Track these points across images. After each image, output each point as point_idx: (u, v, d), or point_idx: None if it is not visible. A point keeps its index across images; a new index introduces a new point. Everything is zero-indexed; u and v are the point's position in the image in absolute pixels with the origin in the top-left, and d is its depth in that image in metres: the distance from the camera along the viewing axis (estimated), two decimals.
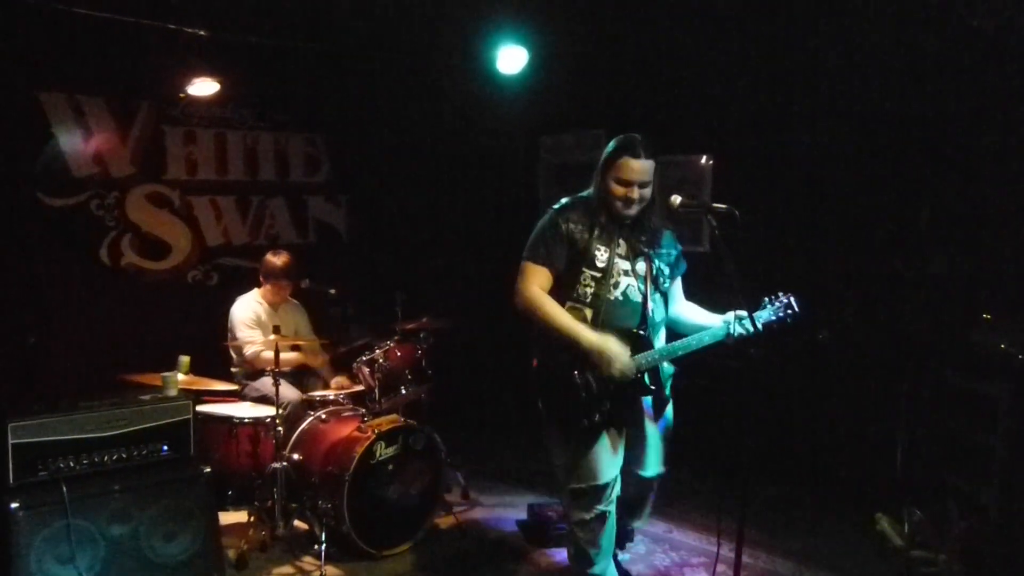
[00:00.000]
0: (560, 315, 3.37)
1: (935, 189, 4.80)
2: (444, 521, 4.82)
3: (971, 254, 4.68)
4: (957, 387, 4.45)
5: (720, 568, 3.68)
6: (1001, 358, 4.19)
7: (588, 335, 3.32)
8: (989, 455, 4.14)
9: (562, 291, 3.46)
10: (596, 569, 3.58)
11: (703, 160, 5.87)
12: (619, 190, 3.37)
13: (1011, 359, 4.15)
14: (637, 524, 3.73)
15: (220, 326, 5.28)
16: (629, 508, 3.67)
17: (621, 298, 3.43)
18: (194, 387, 4.47)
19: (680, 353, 3.41)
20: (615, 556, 3.82)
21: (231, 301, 5.29)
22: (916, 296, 4.87)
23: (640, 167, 3.34)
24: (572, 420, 3.40)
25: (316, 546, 4.26)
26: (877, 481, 4.83)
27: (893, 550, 4.35)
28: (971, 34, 4.46)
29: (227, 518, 4.63)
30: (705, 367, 3.40)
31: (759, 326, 3.27)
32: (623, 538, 3.85)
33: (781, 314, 3.39)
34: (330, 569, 4.19)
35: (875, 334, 5.05)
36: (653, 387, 3.44)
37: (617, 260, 3.44)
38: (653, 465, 3.56)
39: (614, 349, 3.29)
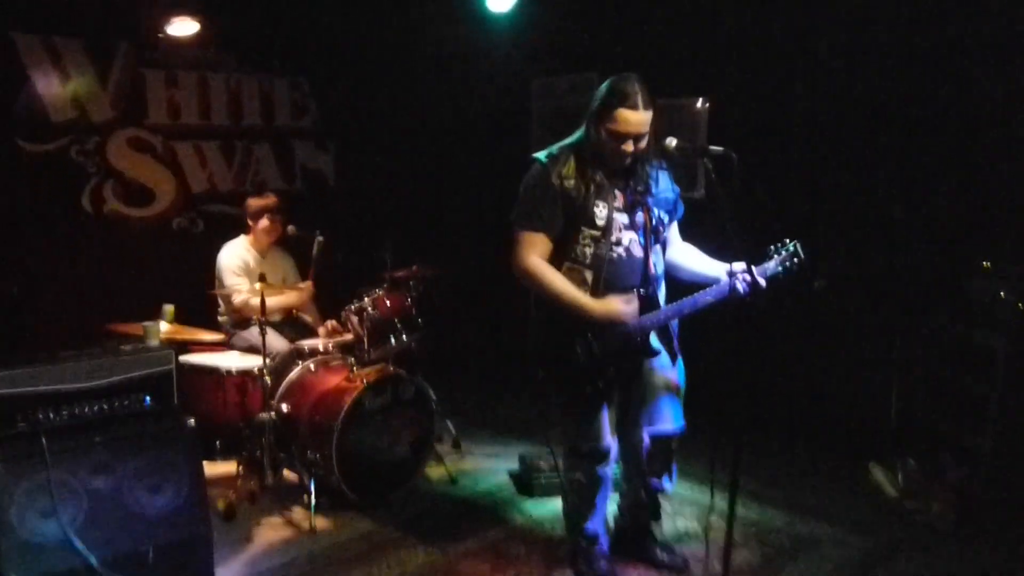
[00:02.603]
0: (565, 288, 3.18)
1: (935, 132, 4.70)
2: (435, 471, 4.78)
3: (971, 200, 4.59)
4: (953, 336, 4.41)
5: (713, 519, 3.66)
6: (1000, 307, 4.14)
7: (594, 306, 3.15)
8: (984, 405, 4.12)
9: (558, 252, 3.26)
10: (591, 525, 3.54)
11: (699, 103, 5.73)
12: (614, 144, 3.13)
13: (1010, 308, 4.10)
14: (666, 486, 3.54)
15: (206, 274, 5.19)
16: (653, 469, 3.49)
17: (624, 255, 3.23)
18: (179, 336, 4.40)
19: (686, 311, 3.21)
20: (652, 530, 3.76)
21: (217, 248, 5.19)
22: (914, 243, 4.80)
23: (637, 119, 3.06)
24: (575, 387, 3.27)
25: (305, 496, 4.23)
26: (871, 430, 4.82)
27: (886, 500, 4.34)
28: None
29: (215, 468, 4.61)
30: (696, 315, 3.29)
31: (765, 281, 3.09)
32: (654, 509, 3.71)
33: (788, 263, 3.17)
34: (319, 520, 4.16)
35: (871, 282, 4.99)
36: (659, 349, 3.29)
37: (616, 215, 3.22)
38: (669, 421, 3.38)
39: (622, 311, 3.15)
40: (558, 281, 3.20)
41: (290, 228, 5.13)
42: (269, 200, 5.18)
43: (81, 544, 3.02)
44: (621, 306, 3.16)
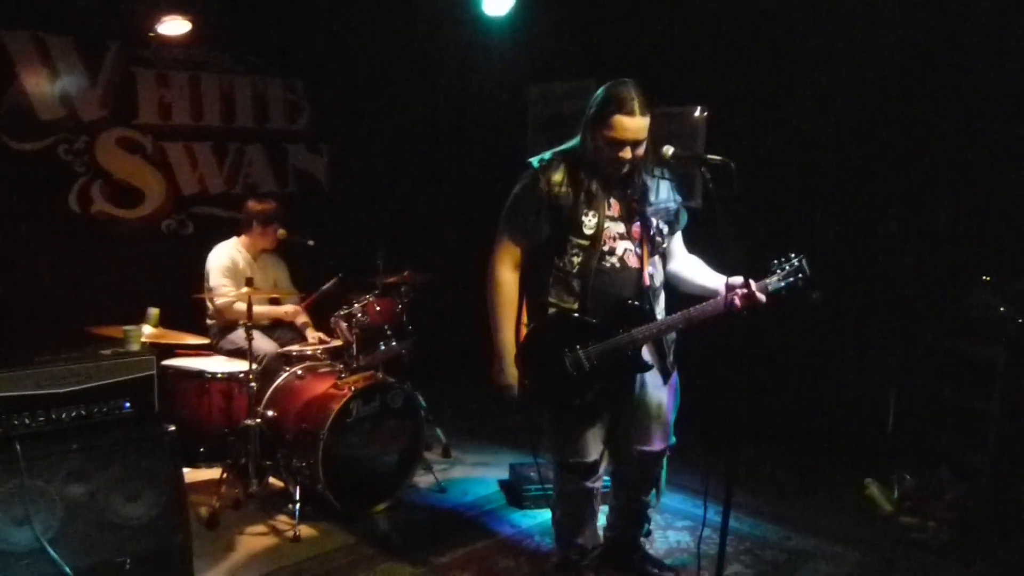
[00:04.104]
0: (501, 312, 3.22)
1: (936, 145, 4.65)
2: (423, 480, 4.71)
3: (972, 214, 4.53)
4: (952, 350, 4.35)
5: (706, 532, 3.59)
6: (1000, 322, 4.08)
7: (500, 342, 3.21)
8: (984, 421, 4.05)
9: (547, 260, 3.20)
10: (580, 539, 3.46)
11: (697, 112, 5.67)
12: (611, 150, 3.05)
13: (1009, 323, 4.04)
14: (652, 501, 3.50)
15: (195, 277, 5.10)
16: (639, 486, 3.44)
17: (618, 265, 3.16)
18: (163, 340, 4.31)
19: (680, 325, 3.13)
20: (641, 545, 3.70)
21: (207, 251, 5.11)
22: (913, 256, 4.73)
23: (635, 125, 2.99)
24: (563, 400, 3.20)
25: (290, 505, 4.15)
26: (868, 445, 4.75)
27: (882, 515, 4.27)
28: None
29: (199, 475, 4.54)
30: (693, 328, 3.22)
31: (766, 296, 3.00)
32: (641, 523, 3.65)
33: (792, 279, 3.06)
34: (304, 528, 4.07)
35: (869, 294, 4.92)
36: (650, 364, 3.21)
37: (609, 224, 3.15)
38: (657, 439, 3.30)
39: (507, 372, 3.22)
40: (501, 304, 3.22)
41: (280, 232, 5.06)
42: (269, 205, 5.12)
43: (55, 553, 2.94)
44: (511, 380, 3.22)
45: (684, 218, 3.36)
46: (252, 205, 5.10)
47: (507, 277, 3.23)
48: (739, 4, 5.30)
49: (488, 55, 6.48)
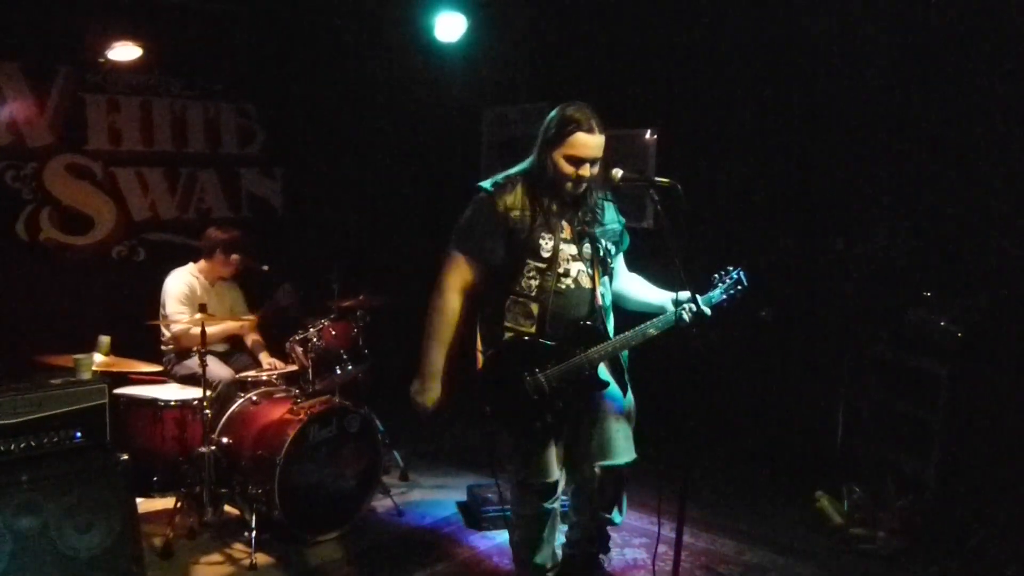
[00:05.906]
0: (439, 332, 3.23)
1: (878, 166, 4.79)
2: (381, 504, 4.69)
3: (913, 231, 4.67)
4: (897, 364, 4.47)
5: (661, 548, 3.65)
6: (941, 336, 4.21)
7: (428, 363, 3.23)
8: (928, 433, 4.16)
9: (503, 284, 3.22)
10: (539, 559, 3.48)
11: (647, 134, 5.78)
12: (569, 168, 3.10)
13: (950, 337, 4.17)
14: (615, 519, 3.53)
15: (147, 303, 5.04)
16: (603, 502, 3.45)
17: (573, 286, 3.21)
18: (115, 369, 4.25)
19: (633, 342, 3.19)
20: (600, 563, 3.72)
21: (159, 277, 5.06)
22: (858, 273, 4.86)
23: (594, 143, 3.07)
24: (524, 423, 3.22)
25: (247, 532, 4.10)
26: (817, 459, 4.84)
27: (832, 528, 4.36)
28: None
29: (152, 505, 4.46)
30: (644, 345, 3.28)
31: (709, 309, 3.11)
32: (600, 541, 3.68)
33: (732, 292, 3.18)
34: (261, 556, 4.03)
35: (817, 311, 5.04)
36: (608, 381, 3.26)
37: (563, 246, 3.20)
38: (620, 453, 3.31)
39: (428, 394, 3.25)
40: (438, 324, 3.23)
41: (233, 257, 5.03)
42: (238, 234, 5.08)
43: None
44: (429, 401, 3.26)
45: (627, 239, 3.45)
46: (216, 233, 5.05)
47: (454, 300, 3.23)
48: (687, 28, 5.43)
49: (441, 80, 6.54)
